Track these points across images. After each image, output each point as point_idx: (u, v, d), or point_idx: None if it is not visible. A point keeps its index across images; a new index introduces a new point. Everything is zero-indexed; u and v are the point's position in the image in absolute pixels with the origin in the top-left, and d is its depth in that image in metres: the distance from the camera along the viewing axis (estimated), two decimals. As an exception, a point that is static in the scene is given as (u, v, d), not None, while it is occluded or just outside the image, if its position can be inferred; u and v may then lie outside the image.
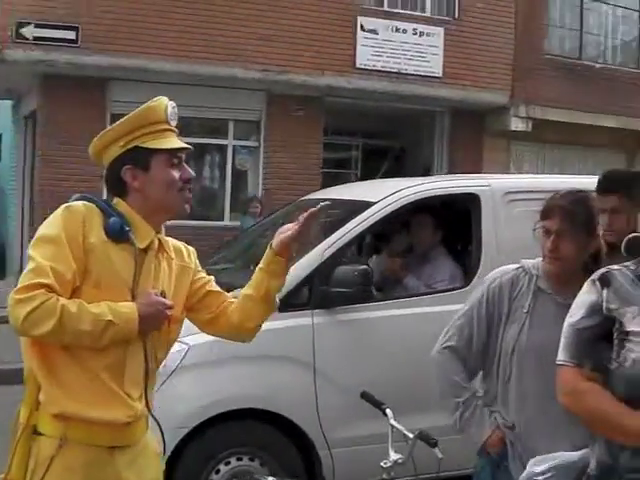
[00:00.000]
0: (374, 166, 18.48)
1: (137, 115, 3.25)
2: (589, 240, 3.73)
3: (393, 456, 4.40)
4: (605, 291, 2.93)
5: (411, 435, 4.39)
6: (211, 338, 5.46)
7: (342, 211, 6.83)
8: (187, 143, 3.35)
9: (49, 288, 2.96)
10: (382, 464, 4.40)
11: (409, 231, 7.01)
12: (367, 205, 6.31)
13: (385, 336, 6.02)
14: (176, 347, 5.48)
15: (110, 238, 3.13)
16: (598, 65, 19.83)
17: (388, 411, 4.58)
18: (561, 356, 2.99)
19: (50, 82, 15.09)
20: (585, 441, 3.67)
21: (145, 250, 3.23)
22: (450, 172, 17.94)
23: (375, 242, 7.30)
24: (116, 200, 3.28)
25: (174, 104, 3.35)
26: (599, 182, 4.74)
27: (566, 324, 3.02)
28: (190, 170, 3.34)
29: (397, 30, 16.87)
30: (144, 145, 3.22)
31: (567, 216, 3.67)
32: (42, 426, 3.13)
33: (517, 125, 18.43)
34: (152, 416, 3.35)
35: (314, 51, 15.99)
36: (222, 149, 16.71)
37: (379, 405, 4.68)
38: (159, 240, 3.31)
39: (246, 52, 15.40)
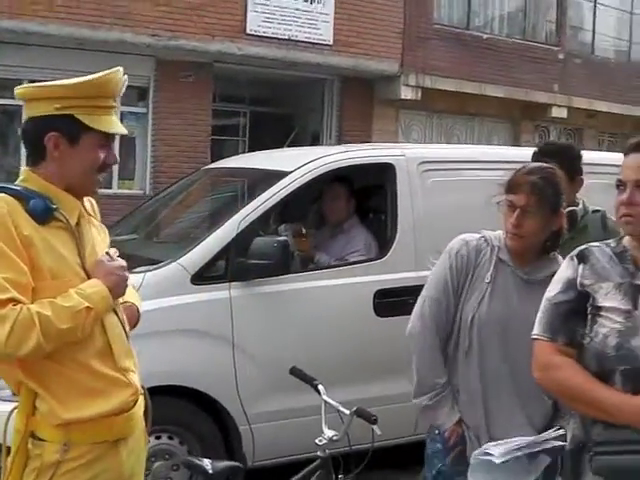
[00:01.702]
0: (262, 134, 18.28)
1: (87, 83, 2.96)
2: (553, 218, 3.66)
3: (327, 433, 4.30)
4: (581, 267, 2.91)
5: (347, 412, 4.30)
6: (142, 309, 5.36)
7: (255, 181, 6.68)
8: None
9: (14, 302, 2.74)
10: (317, 441, 4.31)
11: (321, 202, 6.89)
12: (282, 175, 6.16)
13: (304, 308, 5.90)
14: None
15: (38, 222, 2.88)
16: (485, 35, 19.99)
17: (320, 387, 4.49)
18: (536, 330, 2.95)
19: None
20: (544, 420, 3.70)
21: (78, 221, 3.03)
22: (339, 141, 17.89)
23: (283, 211, 7.15)
24: (26, 174, 3.03)
25: (126, 79, 3.09)
26: (534, 156, 4.71)
27: (544, 299, 2.98)
28: (116, 154, 3.14)
29: (287, -4, 16.68)
30: (80, 118, 2.96)
31: (535, 192, 3.59)
32: (42, 432, 2.96)
33: (406, 94, 18.43)
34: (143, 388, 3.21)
35: (204, 16, 15.65)
36: (110, 115, 16.18)
37: (310, 381, 4.57)
38: (83, 206, 3.10)
39: (136, 17, 14.96)
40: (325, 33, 17.12)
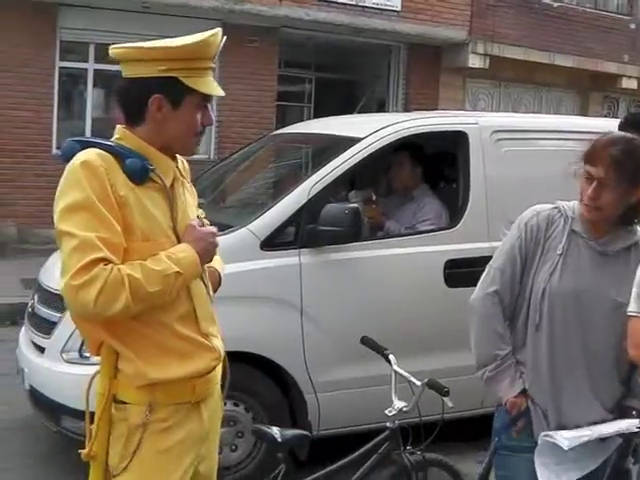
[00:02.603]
0: (327, 101, 18.18)
1: (190, 45, 2.91)
2: (632, 190, 3.45)
3: (397, 404, 4.25)
4: None
5: (419, 383, 4.24)
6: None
7: (326, 147, 6.58)
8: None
9: (105, 261, 2.71)
10: (387, 412, 4.25)
11: (390, 170, 6.79)
12: (353, 141, 6.05)
13: (374, 276, 5.81)
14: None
15: (134, 182, 2.86)
16: (556, 4, 19.65)
17: (391, 357, 4.43)
18: (634, 307, 2.83)
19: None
20: (614, 399, 3.55)
21: (172, 184, 3.01)
22: (405, 109, 17.76)
23: (353, 178, 7.05)
24: (122, 132, 3.00)
25: (224, 39, 3.07)
26: (622, 124, 4.56)
27: None
28: (212, 115, 3.10)
29: (357, -37, 16.49)
30: (184, 80, 2.92)
31: (614, 166, 3.39)
32: (125, 395, 2.95)
33: (474, 62, 18.28)
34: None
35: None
36: (175, 80, 16.17)
37: (381, 350, 4.51)
38: (178, 168, 3.09)
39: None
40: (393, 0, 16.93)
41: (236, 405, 5.47)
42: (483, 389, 3.84)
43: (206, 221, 3.12)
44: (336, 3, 16.29)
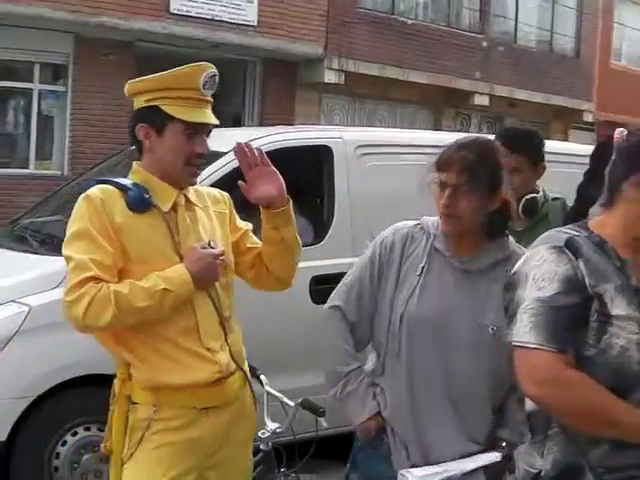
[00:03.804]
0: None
1: (170, 75, 3.20)
2: (491, 197, 3.23)
3: (271, 425, 4.13)
4: (581, 263, 2.46)
5: (292, 403, 4.14)
6: (55, 298, 5.11)
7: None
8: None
9: (96, 279, 3.02)
10: (259, 434, 4.13)
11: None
12: (216, 155, 5.92)
13: (241, 293, 5.67)
14: (15, 309, 5.08)
15: (135, 211, 3.15)
16: (410, 21, 19.94)
17: (262, 377, 4.31)
18: (531, 337, 2.44)
19: None
20: (483, 431, 3.29)
21: (175, 209, 3.25)
22: (261, 124, 17.69)
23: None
24: (135, 167, 3.31)
25: (214, 73, 3.27)
26: (496, 140, 4.53)
27: (532, 297, 2.47)
28: (206, 145, 3.27)
29: (213, -26, 16.39)
30: (164, 108, 3.17)
31: (466, 169, 3.18)
32: (136, 397, 3.24)
33: (330, 78, 18.36)
34: (241, 369, 3.44)
35: (127, -7, 15.29)
36: (27, 93, 15.79)
37: (253, 371, 4.38)
38: (185, 196, 3.30)
39: (57, -8, 14.51)
40: (249, 14, 16.93)
41: (100, 430, 5.24)
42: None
43: (214, 244, 3.29)
44: (192, 17, 16.13)
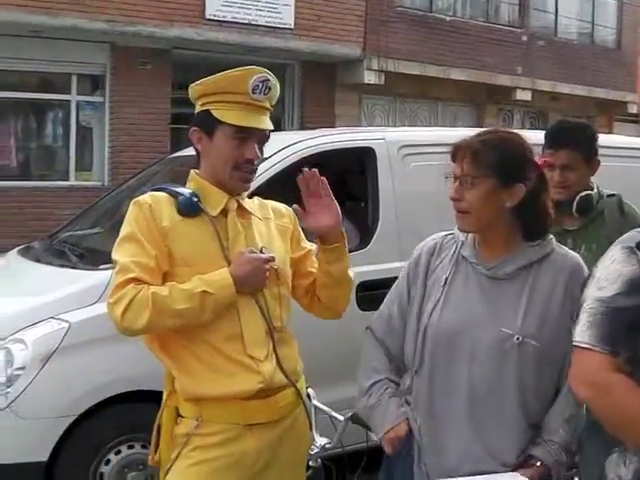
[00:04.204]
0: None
1: (220, 78, 3.18)
2: (505, 191, 2.96)
3: (320, 440, 3.94)
4: None
5: (342, 418, 3.96)
6: (94, 314, 4.98)
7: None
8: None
9: (137, 281, 3.02)
10: (309, 450, 3.95)
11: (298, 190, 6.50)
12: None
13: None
14: (54, 326, 4.96)
15: (184, 216, 3.15)
16: (448, 18, 19.73)
17: (310, 391, 4.13)
18: (585, 337, 2.37)
19: None
20: (513, 449, 2.99)
21: (224, 215, 3.21)
22: (301, 127, 17.57)
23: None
24: (191, 174, 3.30)
25: (266, 77, 3.20)
26: (547, 136, 4.34)
27: (593, 297, 2.39)
28: (257, 151, 3.20)
29: (248, -21, 16.29)
30: (214, 112, 3.16)
31: (471, 157, 2.94)
32: (182, 410, 3.19)
33: (370, 78, 18.21)
34: (294, 386, 3.33)
35: (162, 1, 15.24)
36: (65, 105, 15.76)
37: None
38: (237, 201, 3.25)
39: (92, 2, 14.46)
40: (286, 17, 16.82)
41: (144, 447, 5.11)
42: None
43: (266, 250, 3.23)
44: (228, 22, 16.04)
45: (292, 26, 16.87)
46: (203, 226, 3.17)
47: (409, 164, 6.22)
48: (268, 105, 3.22)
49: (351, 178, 6.63)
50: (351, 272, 3.52)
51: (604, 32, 23.93)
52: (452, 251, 3.15)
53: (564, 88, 21.92)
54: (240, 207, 3.26)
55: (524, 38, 21.15)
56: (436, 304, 3.09)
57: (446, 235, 3.23)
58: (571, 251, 3.17)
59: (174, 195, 3.19)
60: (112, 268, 5.12)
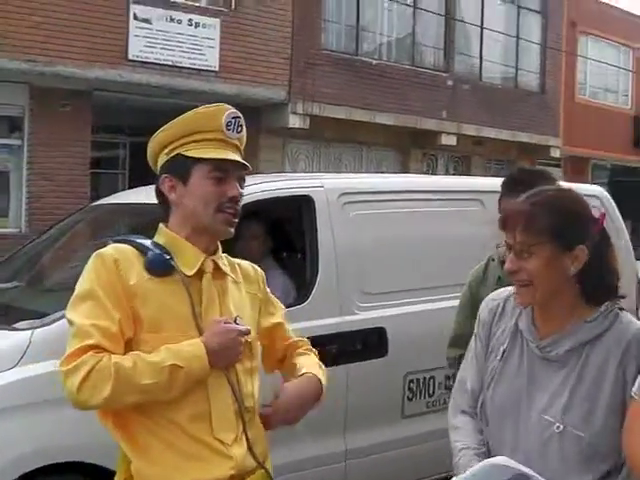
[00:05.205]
0: (143, 167, 17.38)
1: (191, 119, 2.93)
2: (566, 254, 2.67)
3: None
4: None
5: None
6: (12, 379, 4.56)
7: (153, 218, 5.83)
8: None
9: (97, 348, 2.69)
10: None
11: (236, 241, 6.11)
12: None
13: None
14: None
15: (153, 275, 2.83)
16: (374, 61, 19.69)
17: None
18: (636, 388, 2.39)
19: None
20: None
21: (199, 276, 2.90)
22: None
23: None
24: (159, 228, 2.99)
25: (237, 114, 2.98)
26: (505, 183, 4.13)
27: None
28: (238, 188, 2.93)
29: (172, 20, 16.07)
30: (186, 153, 2.90)
31: (525, 223, 2.65)
32: None
33: (294, 122, 18.04)
34: (263, 467, 2.95)
35: (84, 41, 14.88)
36: (-19, 148, 15.34)
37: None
38: (214, 262, 2.96)
39: (10, 41, 14.10)
40: (210, 59, 16.63)
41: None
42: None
43: (240, 321, 2.92)
44: (150, 63, 15.74)
45: (217, 68, 16.68)
46: (174, 287, 2.85)
47: (349, 213, 5.90)
48: (239, 144, 2.99)
49: (288, 228, 6.29)
50: (315, 358, 3.32)
51: (528, 77, 24.25)
52: (512, 317, 2.88)
53: (489, 132, 22.07)
54: (217, 268, 2.97)
55: (449, 82, 21.23)
56: (492, 377, 2.86)
57: (509, 296, 2.91)
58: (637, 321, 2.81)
59: (141, 250, 2.87)
60: (29, 328, 4.85)
